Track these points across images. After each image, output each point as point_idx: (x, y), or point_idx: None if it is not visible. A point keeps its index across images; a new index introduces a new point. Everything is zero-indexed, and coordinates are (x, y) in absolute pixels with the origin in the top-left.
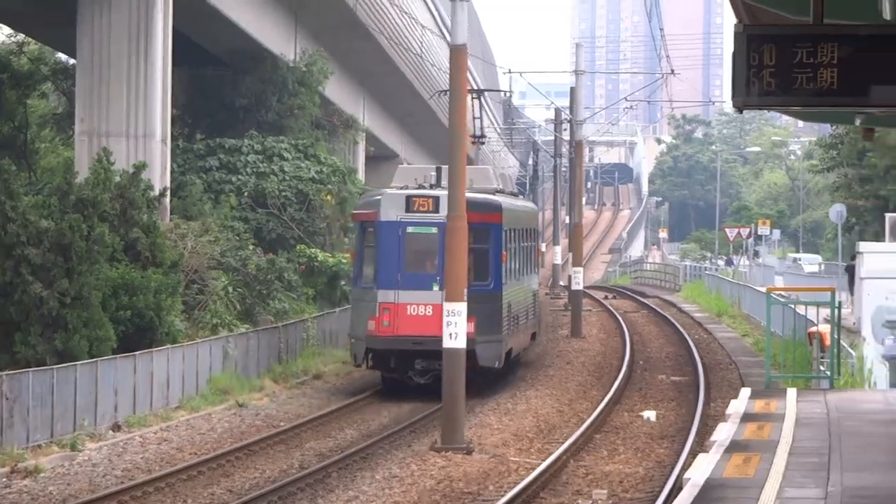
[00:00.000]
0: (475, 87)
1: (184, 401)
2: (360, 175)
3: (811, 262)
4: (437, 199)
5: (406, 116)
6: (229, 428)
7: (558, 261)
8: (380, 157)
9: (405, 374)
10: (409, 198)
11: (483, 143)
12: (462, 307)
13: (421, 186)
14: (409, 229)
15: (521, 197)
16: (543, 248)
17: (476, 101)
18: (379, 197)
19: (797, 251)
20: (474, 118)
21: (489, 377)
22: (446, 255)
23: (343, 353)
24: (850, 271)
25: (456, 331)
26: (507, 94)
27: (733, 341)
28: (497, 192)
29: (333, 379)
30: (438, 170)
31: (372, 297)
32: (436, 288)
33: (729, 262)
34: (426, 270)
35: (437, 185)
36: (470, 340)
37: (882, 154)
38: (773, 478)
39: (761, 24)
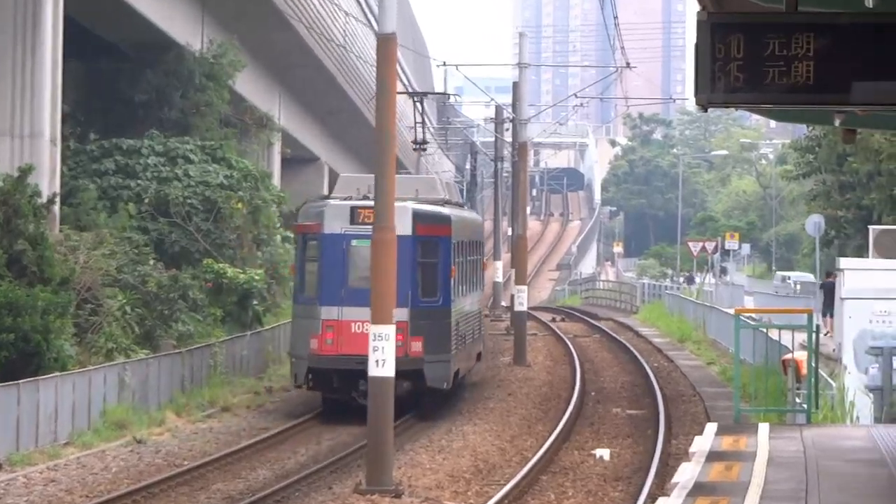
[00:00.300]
0: (410, 87)
1: (74, 436)
2: (276, 180)
3: (803, 281)
4: None
5: (328, 115)
6: (126, 467)
7: (500, 278)
8: (298, 161)
9: (348, 395)
10: (353, 209)
11: (425, 150)
12: (390, 330)
13: (366, 197)
14: (354, 242)
15: (465, 207)
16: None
17: (417, 105)
18: (322, 208)
19: (770, 267)
20: (416, 123)
21: (436, 399)
22: (371, 271)
23: (254, 382)
24: (828, 290)
25: (383, 357)
26: (450, 97)
27: (697, 370)
28: (444, 202)
29: (244, 411)
30: None
31: (315, 313)
32: None
33: (690, 280)
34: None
35: None
36: (417, 359)
37: (864, 159)
38: None
39: (728, 12)
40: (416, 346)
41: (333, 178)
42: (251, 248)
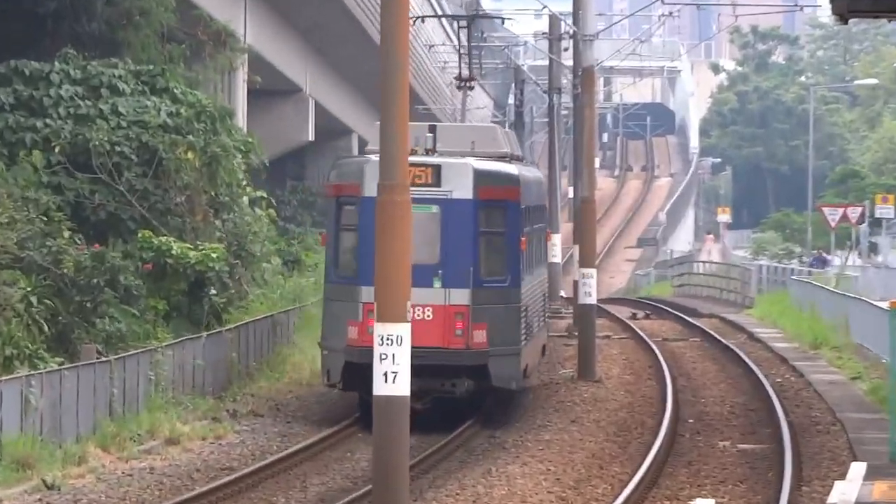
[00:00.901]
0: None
1: None
2: (241, 120)
3: None
4: (438, 168)
5: (313, 29)
6: None
7: (557, 258)
8: (272, 93)
9: None
10: None
11: (472, 89)
12: (403, 330)
13: (414, 151)
14: None
15: (527, 162)
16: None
17: (464, 28)
18: (363, 164)
19: None
20: (459, 51)
21: (500, 405)
22: (378, 246)
23: (212, 403)
24: None
25: (395, 368)
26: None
27: (838, 387)
28: (509, 157)
29: (198, 445)
30: (433, 129)
31: (353, 294)
32: (438, 284)
33: (821, 262)
34: (425, 261)
35: (433, 149)
36: (481, 353)
37: None
38: None
39: None
40: (480, 335)
41: (322, 115)
42: (206, 216)
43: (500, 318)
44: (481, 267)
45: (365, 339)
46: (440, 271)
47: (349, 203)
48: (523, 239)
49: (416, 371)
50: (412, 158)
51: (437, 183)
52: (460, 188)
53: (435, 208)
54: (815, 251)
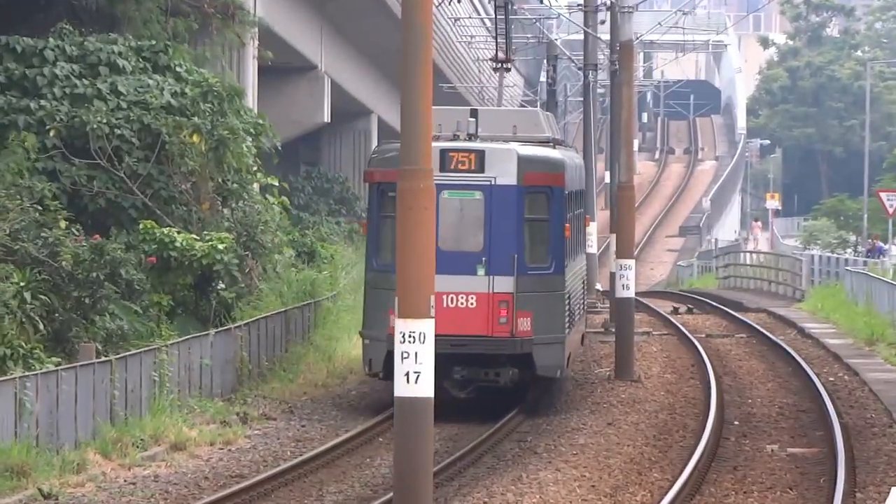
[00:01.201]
0: None
1: None
2: (251, 100)
3: None
4: (481, 153)
5: (328, 0)
6: None
7: (593, 248)
8: (284, 71)
9: (438, 385)
10: (444, 152)
11: (509, 70)
12: (426, 326)
13: (455, 136)
14: (446, 194)
15: (568, 146)
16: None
17: (500, 7)
18: None
19: None
20: (496, 33)
21: (544, 393)
22: (399, 236)
23: (221, 406)
24: None
25: (417, 368)
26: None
27: (895, 386)
28: (552, 142)
29: (206, 451)
30: (475, 113)
31: (394, 283)
32: (482, 272)
33: (876, 252)
34: (469, 248)
35: (475, 134)
36: (525, 341)
37: None
38: None
39: None
40: (524, 324)
41: (339, 95)
42: (214, 204)
43: (545, 305)
44: (525, 254)
45: None
46: (484, 258)
47: (390, 190)
48: (567, 225)
49: (460, 360)
50: (455, 144)
51: (481, 169)
52: (504, 174)
53: (479, 194)
54: (870, 239)
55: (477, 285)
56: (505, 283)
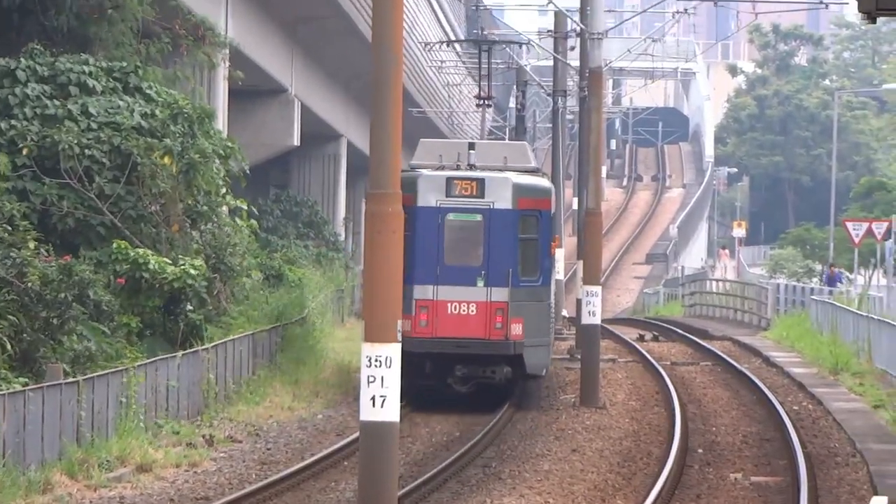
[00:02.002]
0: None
1: None
2: (221, 122)
3: None
4: (482, 181)
5: (299, 24)
6: None
7: (559, 274)
8: (254, 93)
9: (443, 381)
10: (450, 179)
11: (490, 107)
12: (393, 351)
13: (458, 166)
14: (451, 216)
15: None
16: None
17: (485, 51)
18: (415, 178)
19: None
20: (479, 73)
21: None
22: (366, 262)
23: (188, 428)
24: None
25: (383, 392)
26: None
27: (858, 416)
28: (538, 172)
29: (172, 472)
30: (471, 146)
31: (406, 292)
32: (480, 283)
33: (831, 281)
34: (470, 263)
35: (474, 164)
36: (518, 344)
37: None
38: None
39: None
40: (517, 328)
41: (309, 118)
42: (184, 226)
43: (534, 313)
44: (518, 268)
45: (417, 331)
46: (483, 272)
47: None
48: (554, 243)
49: (461, 359)
50: (459, 173)
51: (481, 194)
52: (501, 199)
53: (479, 217)
54: (828, 269)
55: (477, 295)
56: (501, 294)
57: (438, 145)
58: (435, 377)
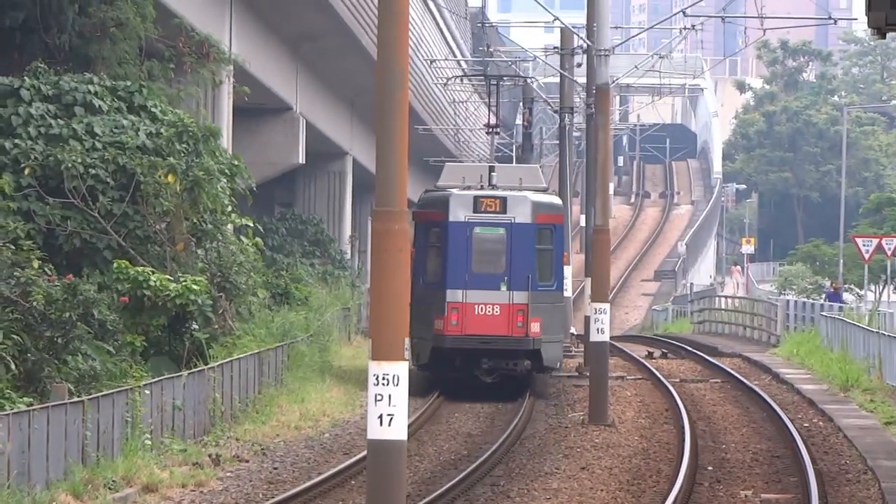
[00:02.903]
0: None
1: None
2: (225, 140)
3: None
4: (504, 199)
5: (303, 40)
6: None
7: (568, 291)
8: (259, 111)
9: (470, 373)
10: (476, 198)
11: (497, 134)
12: (400, 369)
13: (481, 186)
14: (478, 230)
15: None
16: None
17: (494, 85)
18: (447, 197)
19: None
20: (489, 105)
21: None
22: (372, 278)
23: (194, 448)
24: None
25: (390, 410)
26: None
27: (870, 433)
28: (551, 191)
29: (178, 492)
30: (492, 169)
31: (439, 296)
32: (504, 288)
33: (834, 297)
34: (495, 270)
35: (495, 185)
36: (536, 340)
37: None
38: None
39: None
40: (535, 327)
41: (314, 136)
42: (188, 244)
43: (550, 313)
44: (536, 274)
45: (448, 329)
46: (506, 278)
47: (435, 226)
48: (565, 254)
49: (487, 353)
50: (483, 192)
51: (504, 210)
52: (521, 215)
53: (502, 230)
54: (831, 287)
55: (500, 298)
56: (521, 297)
57: (463, 168)
58: (464, 369)
